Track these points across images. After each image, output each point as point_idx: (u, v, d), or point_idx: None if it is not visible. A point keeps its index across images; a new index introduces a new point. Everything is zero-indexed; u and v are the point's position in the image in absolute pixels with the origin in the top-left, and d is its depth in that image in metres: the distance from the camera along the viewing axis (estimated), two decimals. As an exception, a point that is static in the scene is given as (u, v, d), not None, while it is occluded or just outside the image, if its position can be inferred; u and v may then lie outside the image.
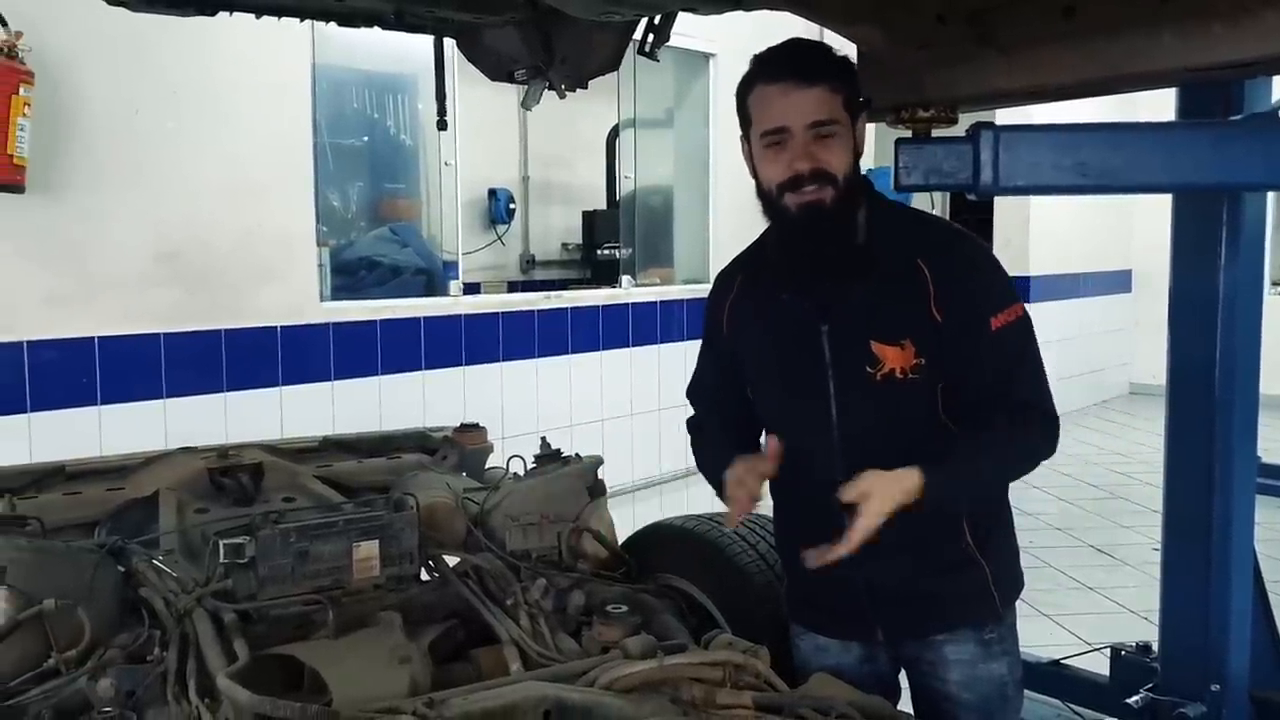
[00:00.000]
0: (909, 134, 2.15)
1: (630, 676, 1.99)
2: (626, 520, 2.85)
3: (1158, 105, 3.02)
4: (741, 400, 2.22)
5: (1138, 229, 10.70)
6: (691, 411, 2.35)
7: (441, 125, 3.21)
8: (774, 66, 1.93)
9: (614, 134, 7.44)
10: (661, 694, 1.99)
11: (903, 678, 2.24)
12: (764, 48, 1.98)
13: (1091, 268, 10.57)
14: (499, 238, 7.71)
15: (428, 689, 2.04)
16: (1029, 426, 1.99)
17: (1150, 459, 8.53)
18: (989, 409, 1.94)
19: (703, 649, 2.10)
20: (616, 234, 7.16)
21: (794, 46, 1.96)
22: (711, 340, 2.27)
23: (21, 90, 3.62)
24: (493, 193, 7.61)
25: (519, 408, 5.47)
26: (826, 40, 2.19)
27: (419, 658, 2.12)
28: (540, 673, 2.06)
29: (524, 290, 7.43)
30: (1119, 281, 11.12)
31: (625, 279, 6.57)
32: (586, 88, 3.07)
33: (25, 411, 3.86)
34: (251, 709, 1.78)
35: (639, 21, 2.77)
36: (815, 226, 1.94)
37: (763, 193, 1.99)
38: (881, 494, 1.83)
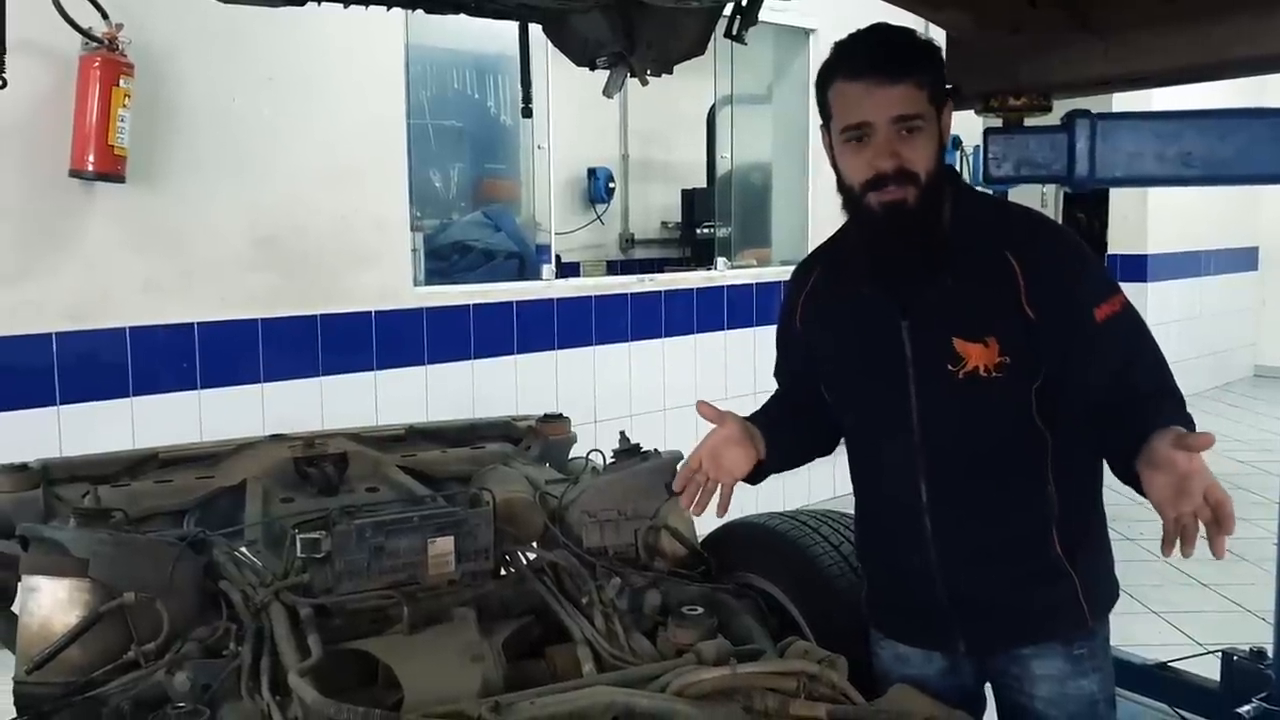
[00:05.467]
0: (999, 123, 2.06)
1: (702, 683, 1.95)
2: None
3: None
4: (810, 394, 2.14)
5: (1266, 203, 10.26)
6: None
7: (526, 113, 3.20)
8: (856, 61, 1.84)
9: (714, 111, 7.35)
10: (734, 702, 1.95)
11: (989, 690, 2.15)
12: (851, 31, 1.89)
13: (1215, 244, 10.13)
14: (598, 217, 7.69)
15: (500, 687, 2.03)
16: (1182, 412, 1.79)
17: (1276, 446, 8.17)
18: (1116, 404, 1.78)
19: (779, 656, 2.06)
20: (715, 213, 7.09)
21: (877, 37, 1.86)
22: (784, 332, 2.21)
23: (122, 82, 3.69)
24: (592, 172, 7.58)
25: (611, 392, 5.45)
26: (912, 24, 2.09)
27: (492, 655, 2.12)
28: (612, 675, 2.04)
29: (623, 269, 7.40)
30: (1245, 259, 10.66)
31: (720, 261, 6.47)
32: (672, 73, 3.01)
33: (128, 396, 3.96)
34: (317, 709, 1.79)
35: (725, 5, 2.71)
36: (898, 226, 1.86)
37: (844, 188, 1.92)
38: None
